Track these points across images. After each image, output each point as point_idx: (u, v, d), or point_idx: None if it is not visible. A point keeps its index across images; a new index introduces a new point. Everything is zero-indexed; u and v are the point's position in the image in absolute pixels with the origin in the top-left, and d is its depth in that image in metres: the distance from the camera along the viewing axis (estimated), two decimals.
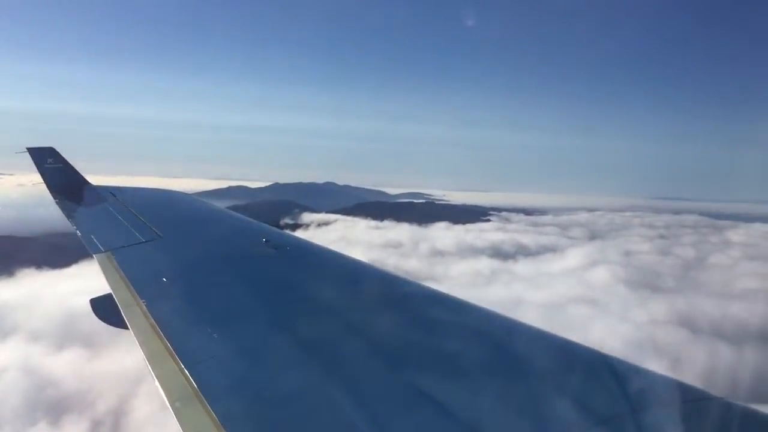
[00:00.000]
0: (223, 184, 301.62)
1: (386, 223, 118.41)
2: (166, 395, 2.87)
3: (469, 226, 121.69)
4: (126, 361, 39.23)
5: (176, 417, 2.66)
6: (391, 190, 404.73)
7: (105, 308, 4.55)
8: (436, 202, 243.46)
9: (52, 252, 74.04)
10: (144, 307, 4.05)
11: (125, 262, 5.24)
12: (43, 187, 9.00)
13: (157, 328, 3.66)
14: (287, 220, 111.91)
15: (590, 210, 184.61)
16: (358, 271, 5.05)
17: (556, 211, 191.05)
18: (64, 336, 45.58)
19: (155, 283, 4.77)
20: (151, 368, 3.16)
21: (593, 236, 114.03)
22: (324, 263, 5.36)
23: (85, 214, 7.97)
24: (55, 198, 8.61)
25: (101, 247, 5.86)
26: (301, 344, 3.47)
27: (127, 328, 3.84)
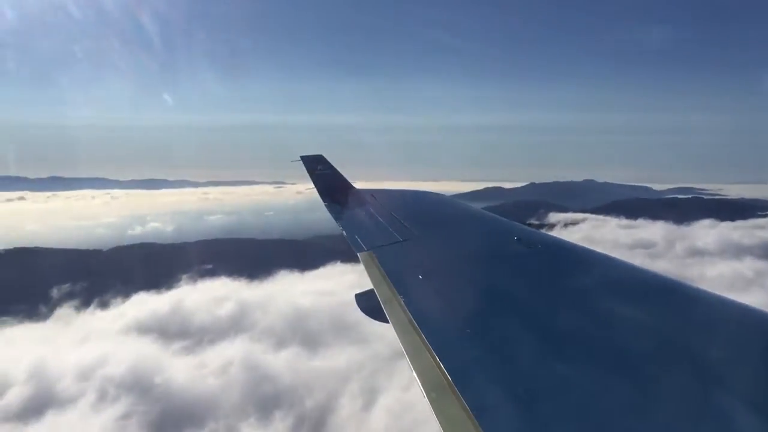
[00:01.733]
0: (479, 186, 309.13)
1: (640, 221, 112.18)
2: (422, 386, 2.97)
3: (740, 222, 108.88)
4: (339, 359, 43.52)
5: (432, 407, 2.78)
6: (658, 186, 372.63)
7: (367, 302, 4.91)
8: (705, 197, 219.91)
9: (309, 254, 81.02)
10: (401, 303, 4.19)
11: (385, 260, 5.54)
12: (315, 192, 9.68)
13: (414, 323, 3.77)
14: (533, 221, 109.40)
15: None
16: (617, 269, 4.79)
17: None
18: (287, 334, 49.76)
19: (412, 279, 4.94)
20: (409, 360, 3.29)
21: None
22: (579, 261, 5.18)
23: (349, 216, 8.44)
24: (324, 202, 9.27)
25: (364, 246, 6.24)
26: (552, 341, 3.44)
27: (387, 322, 4.05)
